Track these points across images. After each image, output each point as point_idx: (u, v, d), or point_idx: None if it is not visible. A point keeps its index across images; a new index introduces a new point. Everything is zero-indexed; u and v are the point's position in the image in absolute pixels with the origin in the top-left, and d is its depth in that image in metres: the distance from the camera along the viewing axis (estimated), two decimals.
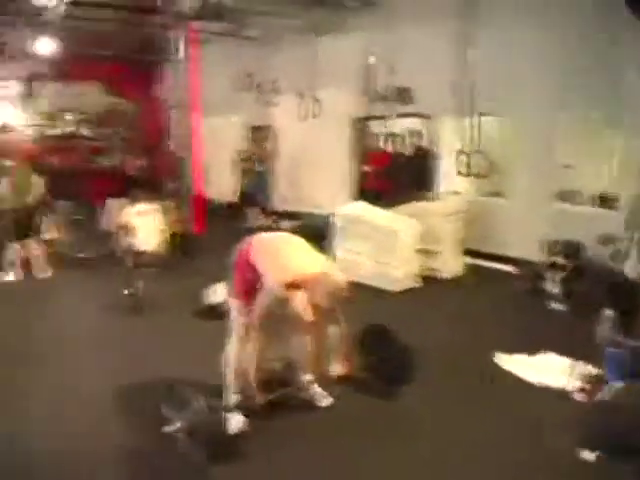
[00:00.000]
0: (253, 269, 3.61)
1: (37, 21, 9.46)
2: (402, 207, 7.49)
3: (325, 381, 3.95)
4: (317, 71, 9.49)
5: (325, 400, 3.96)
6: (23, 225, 7.45)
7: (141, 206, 7.60)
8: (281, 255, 3.57)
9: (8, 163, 7.99)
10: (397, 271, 6.85)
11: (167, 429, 3.30)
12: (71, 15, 9.14)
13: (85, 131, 14.52)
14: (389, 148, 9.48)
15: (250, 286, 3.61)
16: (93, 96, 14.35)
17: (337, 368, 3.78)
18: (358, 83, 9.31)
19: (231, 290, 3.85)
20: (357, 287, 6.50)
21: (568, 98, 6.84)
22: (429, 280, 7.12)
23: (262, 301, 3.49)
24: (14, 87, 13.55)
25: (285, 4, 8.71)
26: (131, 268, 6.67)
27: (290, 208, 10.98)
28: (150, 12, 8.85)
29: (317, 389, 3.99)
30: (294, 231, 4.44)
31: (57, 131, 14.17)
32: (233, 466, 3.24)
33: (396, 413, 3.93)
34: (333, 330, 3.73)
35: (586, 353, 4.29)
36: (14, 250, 7.44)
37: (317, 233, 6.80)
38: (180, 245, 8.29)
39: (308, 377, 3.98)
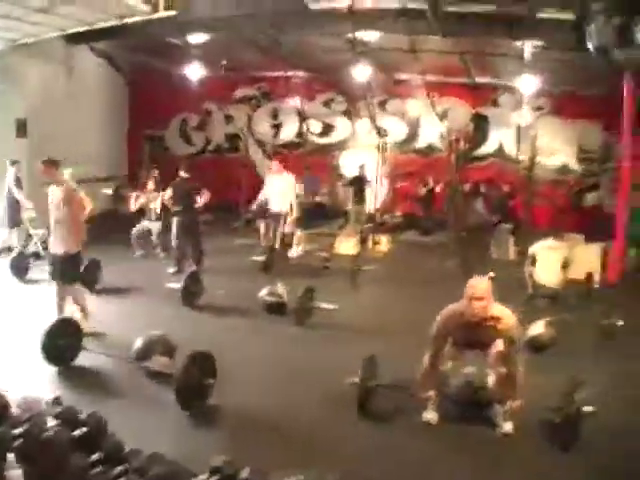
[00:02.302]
0: None
1: None
2: None
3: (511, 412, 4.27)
4: None
5: (505, 428, 4.25)
6: None
7: (554, 242, 7.91)
8: None
9: None
10: None
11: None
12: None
13: (577, 166, 14.63)
14: None
15: None
16: (587, 133, 14.36)
17: (511, 404, 4.24)
18: None
19: None
20: None
21: None
22: None
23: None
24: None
25: None
26: (529, 294, 7.64)
27: None
28: None
29: (500, 414, 4.32)
30: None
31: (553, 163, 14.60)
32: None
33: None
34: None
35: None
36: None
37: None
38: (586, 290, 8.33)
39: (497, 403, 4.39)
